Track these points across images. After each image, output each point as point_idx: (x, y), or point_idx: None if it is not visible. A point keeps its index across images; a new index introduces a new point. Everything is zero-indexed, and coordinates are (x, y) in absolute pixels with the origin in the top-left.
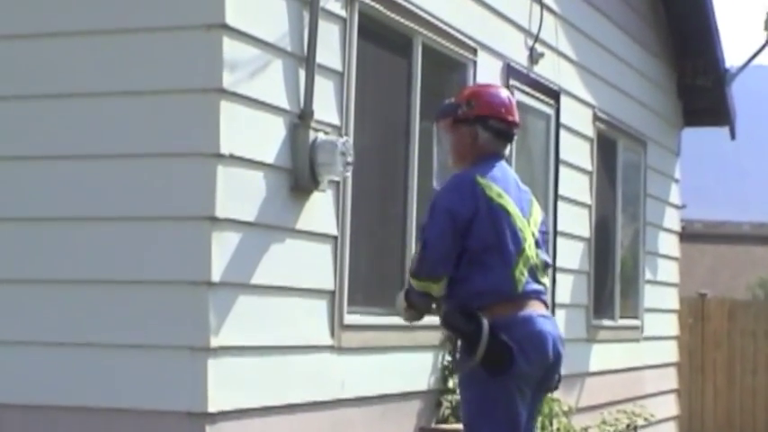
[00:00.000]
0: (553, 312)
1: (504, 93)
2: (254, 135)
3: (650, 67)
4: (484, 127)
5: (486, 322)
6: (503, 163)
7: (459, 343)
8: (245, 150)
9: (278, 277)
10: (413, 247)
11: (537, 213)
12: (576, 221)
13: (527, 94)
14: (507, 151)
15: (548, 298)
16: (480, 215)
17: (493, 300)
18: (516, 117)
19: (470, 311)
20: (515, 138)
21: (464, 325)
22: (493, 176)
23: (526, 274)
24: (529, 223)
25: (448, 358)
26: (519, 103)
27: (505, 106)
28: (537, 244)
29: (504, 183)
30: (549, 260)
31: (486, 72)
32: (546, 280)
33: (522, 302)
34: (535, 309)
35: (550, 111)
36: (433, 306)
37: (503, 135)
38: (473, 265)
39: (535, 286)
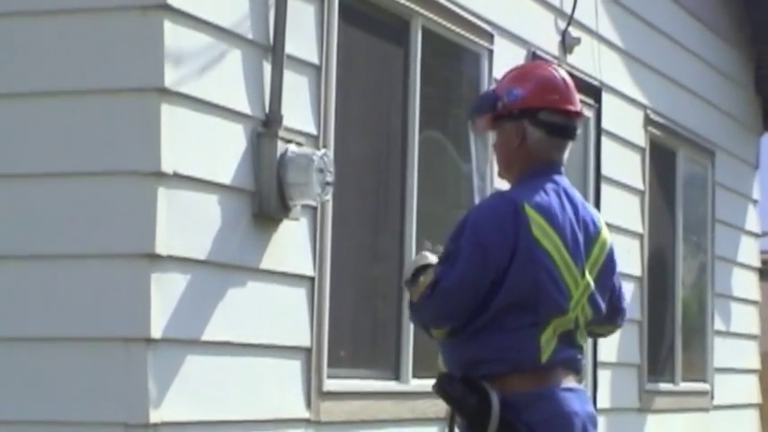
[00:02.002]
0: (595, 374)
1: (558, 73)
2: (205, 147)
3: (720, 56)
4: (533, 122)
5: (495, 399)
6: (561, 179)
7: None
8: (193, 167)
9: (237, 332)
10: None
11: (600, 249)
12: (624, 256)
13: None
14: (566, 155)
15: (584, 358)
16: (518, 261)
17: (507, 369)
18: (576, 104)
19: (475, 380)
20: (577, 133)
21: (464, 397)
22: (545, 203)
23: (555, 339)
24: (584, 274)
25: None
26: None
27: (559, 92)
28: (592, 297)
29: (559, 212)
30: (602, 311)
31: (506, 63)
32: (583, 340)
33: (545, 374)
34: (560, 381)
35: (589, 112)
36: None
37: (559, 131)
38: (490, 323)
39: (565, 353)
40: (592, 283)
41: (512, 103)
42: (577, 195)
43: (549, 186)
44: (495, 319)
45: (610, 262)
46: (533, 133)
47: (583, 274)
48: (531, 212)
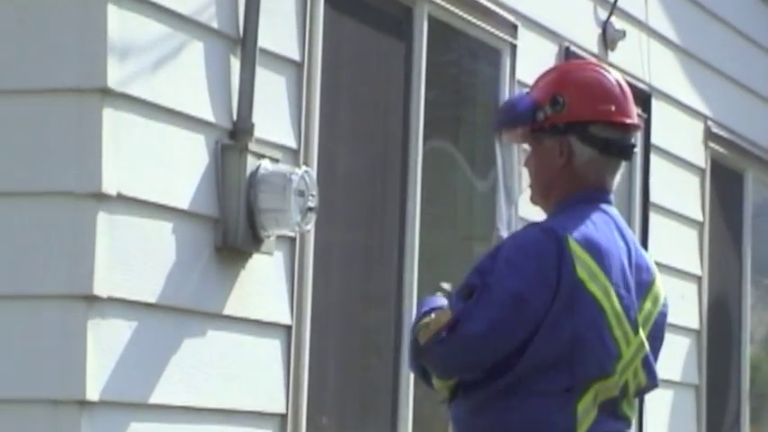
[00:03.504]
0: None
1: (612, 77)
2: (157, 163)
3: None
4: (582, 139)
5: None
6: (611, 209)
7: None
8: (142, 188)
9: (195, 393)
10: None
11: (653, 304)
12: (678, 303)
13: None
14: (618, 179)
15: None
16: (556, 307)
17: None
18: (634, 116)
19: None
20: (635, 151)
21: None
22: (593, 238)
23: (596, 409)
24: (637, 330)
25: None
26: None
27: (615, 101)
28: (646, 360)
29: (611, 251)
30: (657, 378)
31: (532, 60)
32: (631, 412)
33: None
34: None
35: None
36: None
37: (614, 149)
38: (513, 386)
39: (608, 426)
40: (646, 343)
41: (556, 114)
42: (630, 232)
43: (598, 217)
44: (520, 382)
45: (662, 322)
46: (582, 152)
47: (636, 330)
48: (575, 248)
